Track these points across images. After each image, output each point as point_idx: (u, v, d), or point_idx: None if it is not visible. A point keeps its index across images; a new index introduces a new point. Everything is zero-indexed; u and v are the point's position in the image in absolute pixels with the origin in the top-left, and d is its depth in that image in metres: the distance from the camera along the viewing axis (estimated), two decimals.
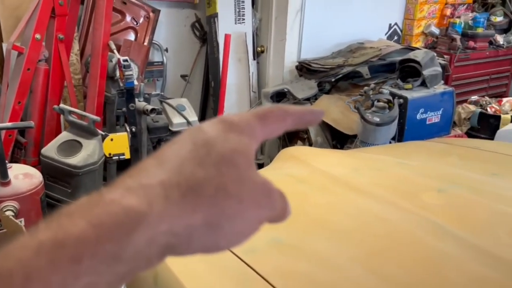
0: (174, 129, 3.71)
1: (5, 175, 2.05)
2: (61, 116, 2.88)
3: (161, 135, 3.73)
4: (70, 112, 2.51)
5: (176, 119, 3.71)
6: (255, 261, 1.20)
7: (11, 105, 2.55)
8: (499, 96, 4.55)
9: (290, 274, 1.15)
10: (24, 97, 2.62)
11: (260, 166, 3.93)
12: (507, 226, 1.27)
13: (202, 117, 4.56)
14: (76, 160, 2.43)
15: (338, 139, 3.46)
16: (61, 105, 2.54)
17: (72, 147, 2.50)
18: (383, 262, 1.20)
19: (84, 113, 2.53)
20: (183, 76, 4.45)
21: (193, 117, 3.80)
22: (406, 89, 3.13)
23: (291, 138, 3.73)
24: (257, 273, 1.14)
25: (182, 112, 3.72)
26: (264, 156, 4.18)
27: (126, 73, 2.60)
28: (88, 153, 2.47)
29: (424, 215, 1.36)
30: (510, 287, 1.07)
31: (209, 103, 4.50)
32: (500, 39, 4.52)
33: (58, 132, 2.82)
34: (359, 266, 1.18)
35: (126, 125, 2.76)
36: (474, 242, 1.22)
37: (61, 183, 2.48)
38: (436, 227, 1.29)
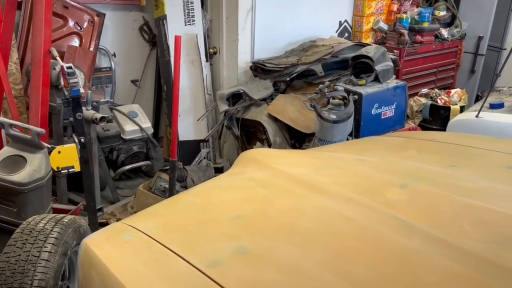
0: (126, 137, 3.56)
1: None
2: (2, 131, 2.68)
3: (113, 144, 3.57)
4: (11, 125, 2.32)
5: (128, 127, 3.56)
6: (221, 275, 1.13)
7: None
8: (447, 87, 4.72)
9: (257, 286, 1.09)
10: None
11: (220, 170, 3.85)
12: (470, 218, 1.27)
13: (156, 122, 4.42)
14: (20, 176, 2.25)
15: (297, 138, 3.44)
16: (1, 118, 2.34)
17: (15, 162, 2.31)
18: (350, 264, 1.16)
19: (26, 125, 2.35)
20: (133, 81, 4.29)
21: (146, 123, 3.67)
22: (360, 85, 3.16)
23: (249, 139, 3.68)
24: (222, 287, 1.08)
25: (134, 119, 3.58)
26: (223, 159, 4.10)
27: (71, 80, 2.44)
28: (33, 168, 2.29)
29: (388, 212, 1.34)
30: (477, 280, 1.06)
31: (163, 107, 4.37)
32: (444, 32, 4.69)
33: (0, 148, 2.62)
34: (327, 271, 1.14)
35: (74, 136, 2.60)
36: (440, 236, 1.21)
37: (5, 203, 2.28)
38: (402, 223, 1.27)
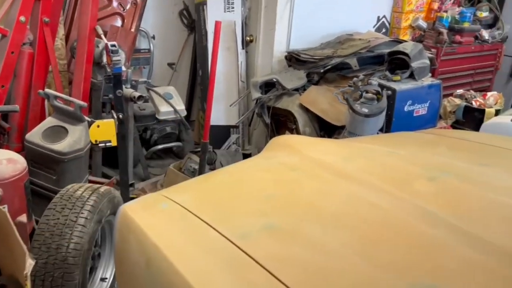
0: (161, 117, 3.67)
1: None
2: (45, 102, 2.82)
3: (147, 123, 3.69)
4: (56, 97, 2.45)
5: (163, 108, 3.66)
6: (248, 246, 1.19)
7: None
8: (483, 90, 4.62)
9: (285, 259, 1.15)
10: (8, 81, 2.54)
11: (248, 156, 3.91)
12: (497, 214, 1.29)
13: (189, 106, 4.52)
14: (61, 146, 2.37)
15: (326, 130, 3.47)
16: (47, 90, 2.47)
17: (57, 133, 2.43)
18: (376, 248, 1.20)
19: (70, 98, 2.47)
20: (170, 64, 4.39)
21: (180, 105, 3.76)
22: (395, 81, 3.15)
23: (279, 128, 3.72)
24: (251, 257, 1.14)
25: (169, 101, 3.68)
26: (252, 146, 4.17)
27: (114, 58, 2.55)
28: (74, 139, 2.41)
29: (415, 202, 1.37)
30: (501, 272, 1.08)
31: (196, 92, 4.46)
32: (485, 34, 4.57)
33: (42, 117, 2.76)
34: (353, 253, 1.18)
35: (113, 112, 2.71)
36: (465, 228, 1.23)
37: (46, 170, 2.41)
38: (428, 214, 1.30)
